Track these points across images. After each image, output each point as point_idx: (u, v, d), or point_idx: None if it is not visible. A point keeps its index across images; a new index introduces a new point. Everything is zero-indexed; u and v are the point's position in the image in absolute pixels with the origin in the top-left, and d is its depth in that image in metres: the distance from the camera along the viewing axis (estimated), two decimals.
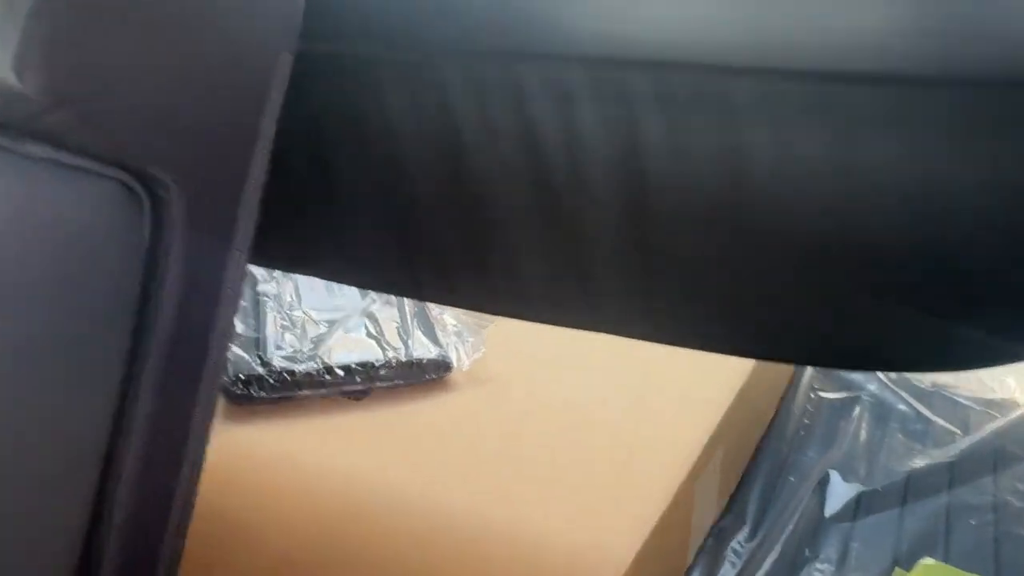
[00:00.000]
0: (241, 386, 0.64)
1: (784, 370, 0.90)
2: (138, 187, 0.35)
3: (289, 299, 0.73)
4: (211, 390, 0.39)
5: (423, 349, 0.70)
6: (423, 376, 0.69)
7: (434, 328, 0.73)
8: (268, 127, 0.37)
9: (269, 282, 0.75)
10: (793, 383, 0.91)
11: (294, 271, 0.57)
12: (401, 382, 0.68)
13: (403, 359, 0.68)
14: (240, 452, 0.60)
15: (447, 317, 0.75)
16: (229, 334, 0.40)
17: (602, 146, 0.36)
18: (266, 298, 0.73)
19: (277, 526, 0.52)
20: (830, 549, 0.69)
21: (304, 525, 0.52)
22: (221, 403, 0.65)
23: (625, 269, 0.41)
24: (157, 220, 0.36)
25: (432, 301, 0.51)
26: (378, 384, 0.68)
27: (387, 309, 0.74)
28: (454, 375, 0.71)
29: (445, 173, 0.42)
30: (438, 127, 0.40)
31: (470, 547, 0.51)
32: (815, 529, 0.71)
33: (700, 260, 0.37)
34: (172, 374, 0.37)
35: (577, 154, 0.37)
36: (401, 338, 0.70)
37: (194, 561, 0.43)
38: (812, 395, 0.90)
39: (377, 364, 0.67)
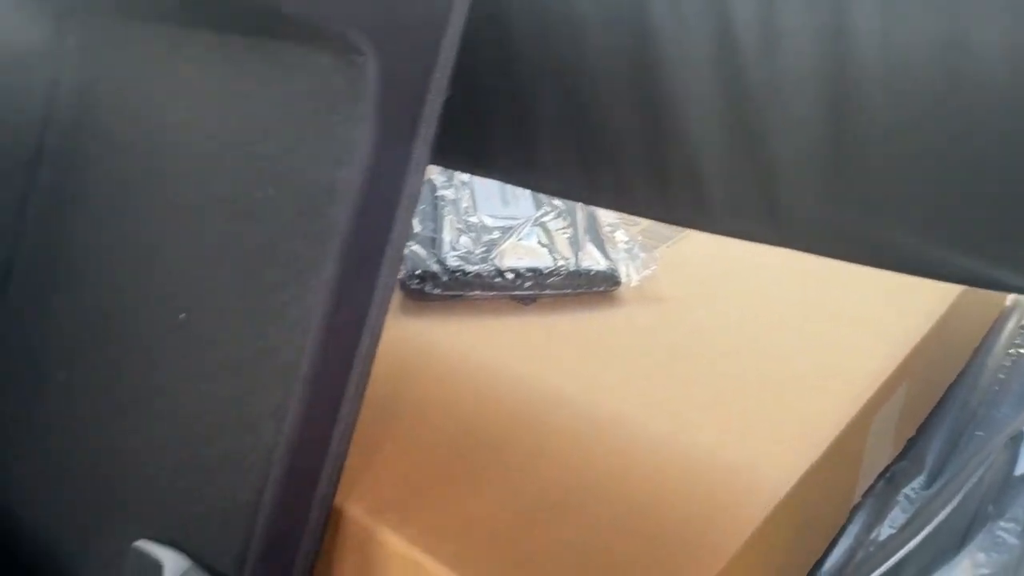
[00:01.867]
0: (417, 281, 0.66)
1: (985, 316, 0.82)
2: (340, 62, 0.36)
3: (466, 205, 0.75)
4: (387, 291, 0.40)
5: (592, 261, 0.69)
6: (591, 287, 0.69)
7: (604, 243, 0.72)
8: (461, 6, 0.37)
9: (448, 188, 0.78)
10: (991, 335, 0.83)
11: (472, 171, 0.58)
12: (569, 291, 0.68)
13: (572, 269, 0.68)
14: (411, 342, 0.62)
15: (618, 234, 0.75)
16: (407, 233, 0.41)
17: (804, 30, 0.33)
18: (444, 203, 0.75)
19: (443, 410, 0.54)
20: (1018, 509, 0.64)
21: (470, 412, 0.54)
22: (397, 295, 0.68)
23: (816, 173, 0.38)
24: (354, 100, 0.38)
25: (608, 206, 0.50)
26: (546, 291, 0.68)
27: (559, 221, 0.74)
28: (622, 290, 0.70)
29: (630, 65, 0.41)
30: (627, 14, 0.39)
31: (630, 452, 0.51)
32: (1002, 486, 0.66)
33: (906, 160, 0.34)
34: (351, 270, 0.39)
35: (776, 40, 0.35)
36: (571, 249, 0.70)
37: (364, 439, 0.46)
38: (1012, 351, 0.82)
39: (546, 271, 0.68)
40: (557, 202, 0.76)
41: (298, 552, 0.40)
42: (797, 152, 0.38)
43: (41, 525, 0.47)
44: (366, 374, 0.41)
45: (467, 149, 0.51)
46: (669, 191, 0.45)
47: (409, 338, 0.63)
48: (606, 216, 0.77)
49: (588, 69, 0.43)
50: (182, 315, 0.42)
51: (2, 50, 0.48)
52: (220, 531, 0.39)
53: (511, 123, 0.49)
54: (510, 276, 0.67)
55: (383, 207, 0.39)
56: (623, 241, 0.73)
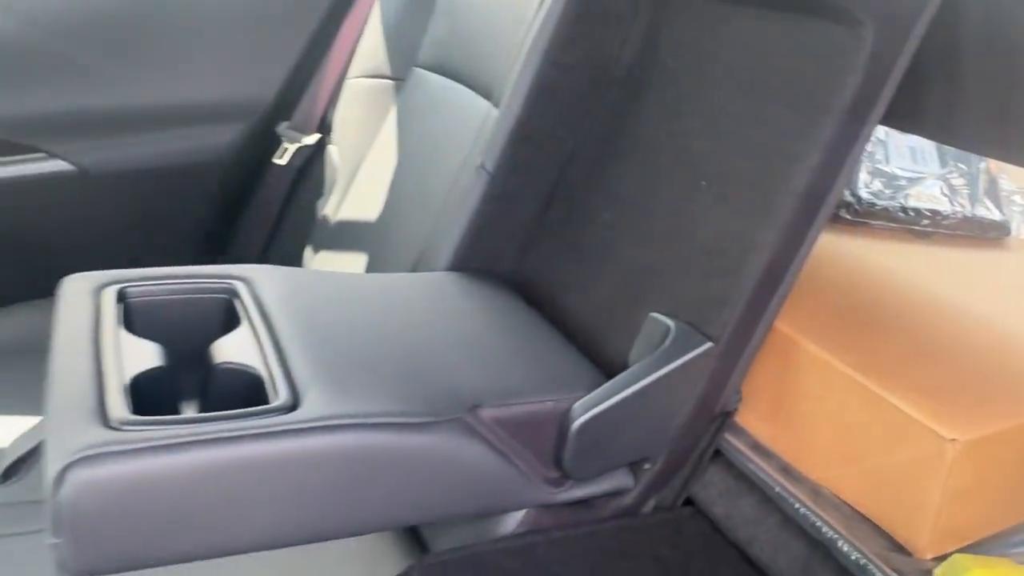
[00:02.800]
0: (848, 212, 0.87)
1: None
2: (848, 31, 0.58)
3: (879, 157, 0.93)
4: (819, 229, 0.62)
5: (986, 211, 0.84)
6: (983, 234, 0.84)
7: (1000, 200, 0.86)
8: None
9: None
10: None
11: (901, 128, 0.76)
12: (961, 232, 0.84)
13: (968, 215, 0.83)
14: (823, 256, 0.83)
15: (1016, 197, 0.87)
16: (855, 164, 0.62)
17: None
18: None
19: (851, 285, 0.74)
20: None
21: (874, 285, 0.74)
22: None
23: None
24: (853, 60, 0.59)
25: (1017, 163, 0.65)
26: (941, 230, 0.84)
27: (961, 180, 0.89)
28: (1010, 240, 0.84)
29: None
30: None
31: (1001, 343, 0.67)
32: None
33: None
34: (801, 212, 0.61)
35: None
36: (969, 201, 0.85)
37: (801, 291, 0.68)
38: None
39: (944, 212, 0.84)
40: (961, 164, 0.91)
41: (757, 328, 0.63)
42: None
43: (582, 310, 0.75)
44: (809, 246, 0.63)
45: (901, 109, 0.69)
46: None
47: (823, 244, 0.84)
48: (1006, 185, 0.90)
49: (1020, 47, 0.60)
50: (703, 183, 0.67)
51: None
52: (706, 310, 0.64)
53: (944, 87, 0.66)
54: (912, 213, 0.84)
55: (842, 149, 0.60)
56: (1019, 204, 0.86)
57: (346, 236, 1.12)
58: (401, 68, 1.15)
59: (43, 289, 1.16)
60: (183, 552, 0.51)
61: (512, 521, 0.64)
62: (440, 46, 1.10)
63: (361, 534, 0.60)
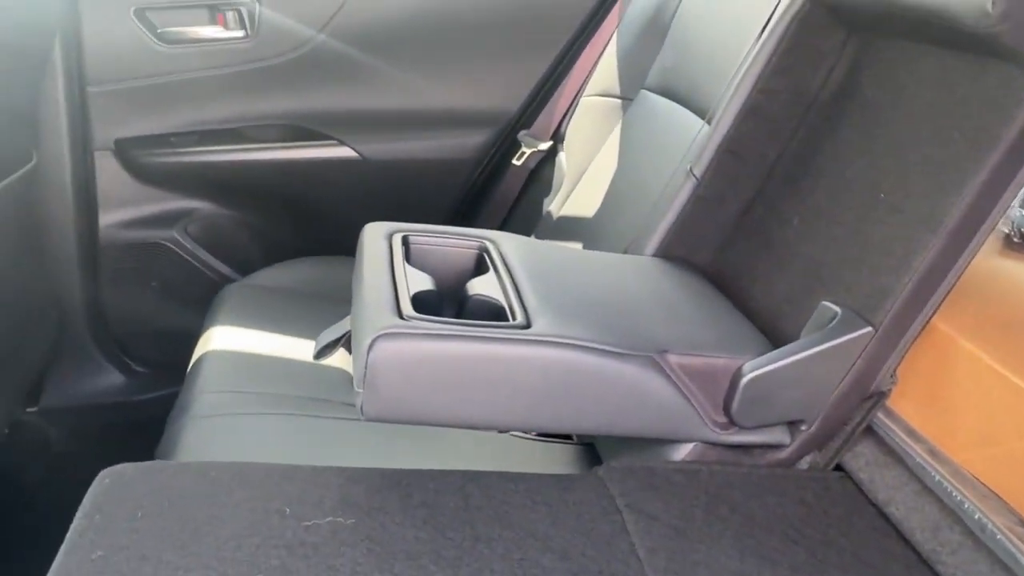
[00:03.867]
0: (1018, 237, 0.93)
1: None
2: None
3: None
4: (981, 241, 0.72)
5: None
6: None
7: None
8: None
9: None
10: None
11: None
12: None
13: None
14: (992, 271, 0.90)
15: None
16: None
17: None
18: None
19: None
20: None
21: (990, 316, 0.81)
22: (999, 243, 0.95)
23: None
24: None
25: None
26: None
27: None
28: None
29: None
30: None
31: None
32: None
33: None
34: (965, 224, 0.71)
35: None
36: None
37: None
38: None
39: None
40: None
41: (914, 321, 0.74)
42: None
43: (764, 297, 0.88)
44: (970, 255, 0.72)
45: None
46: None
47: (995, 263, 0.91)
48: None
49: None
50: (882, 195, 0.79)
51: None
52: (871, 300, 0.75)
53: None
54: None
55: (1008, 173, 0.70)
56: None
57: (566, 228, 1.32)
58: (630, 89, 1.33)
59: (319, 248, 1.47)
60: (439, 416, 0.71)
61: (681, 451, 0.78)
62: (667, 72, 1.26)
63: (559, 432, 0.77)
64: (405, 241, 0.87)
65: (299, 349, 1.10)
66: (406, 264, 0.82)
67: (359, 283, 0.78)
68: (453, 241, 0.88)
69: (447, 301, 0.82)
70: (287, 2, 1.37)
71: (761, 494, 0.75)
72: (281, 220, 1.53)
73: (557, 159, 1.42)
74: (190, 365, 1.11)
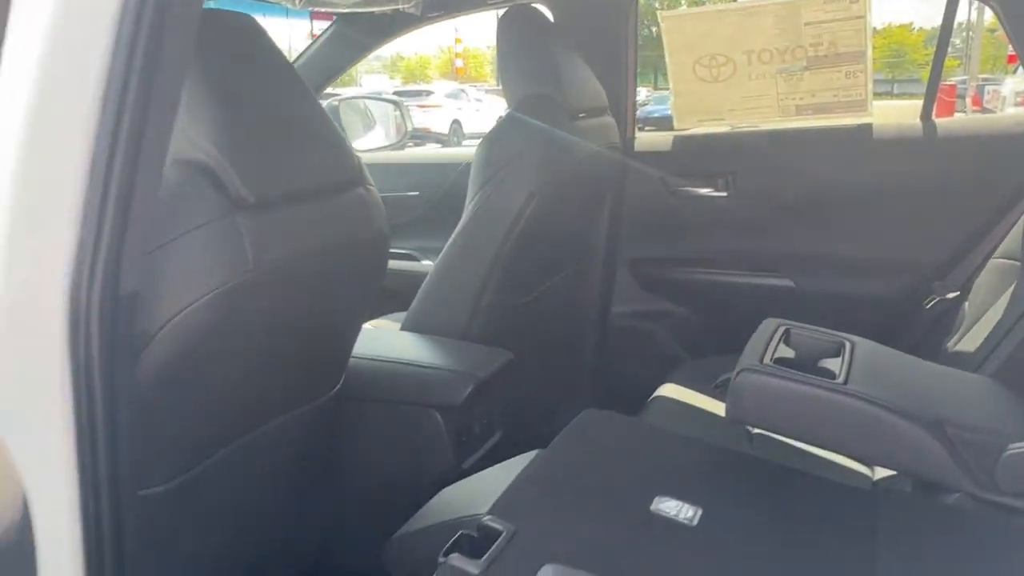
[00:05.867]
0: None
1: None
2: None
3: None
4: None
5: None
6: None
7: None
8: None
9: None
10: None
11: None
12: None
13: None
14: None
15: None
16: None
17: None
18: None
19: None
20: None
21: None
22: None
23: None
24: None
25: None
26: None
27: None
28: None
29: None
30: None
31: None
32: None
33: None
34: None
35: None
36: None
37: None
38: None
39: None
40: None
41: None
42: None
43: None
44: None
45: None
46: None
47: None
48: None
49: None
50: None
51: None
52: None
53: None
54: None
55: None
56: None
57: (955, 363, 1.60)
58: None
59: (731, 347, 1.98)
60: (772, 426, 1.15)
61: (949, 498, 1.08)
62: None
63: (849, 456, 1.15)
64: (787, 331, 1.33)
65: None
66: (780, 343, 1.28)
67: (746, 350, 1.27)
68: (822, 335, 1.31)
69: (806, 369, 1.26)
70: (760, 174, 1.96)
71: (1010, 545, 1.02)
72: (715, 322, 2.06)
73: (962, 307, 1.70)
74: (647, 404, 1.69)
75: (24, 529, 0.59)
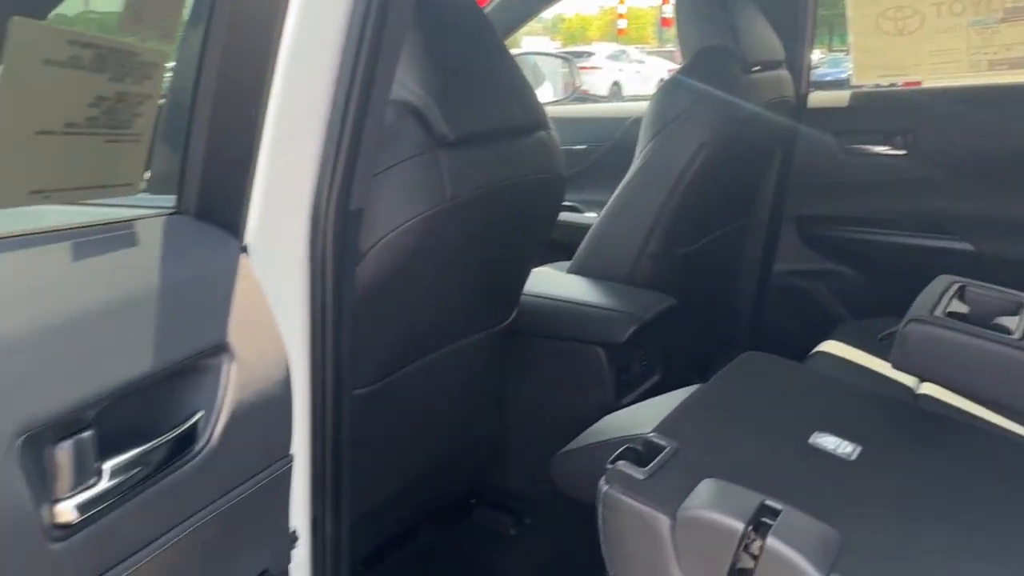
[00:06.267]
0: None
1: None
2: None
3: None
4: None
5: None
6: None
7: None
8: None
9: None
10: None
11: None
12: None
13: None
14: None
15: None
16: None
17: None
18: None
19: None
20: None
21: None
22: None
23: None
24: None
25: None
26: None
27: None
28: None
29: None
30: None
31: None
32: None
33: None
34: None
35: None
36: None
37: None
38: None
39: None
40: None
41: None
42: None
43: None
44: None
45: None
46: None
47: None
48: None
49: None
50: None
51: None
52: None
53: None
54: None
55: None
56: None
57: None
58: None
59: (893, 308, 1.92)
60: (936, 379, 1.15)
61: None
62: None
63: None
64: (961, 288, 1.30)
65: None
66: (954, 299, 1.26)
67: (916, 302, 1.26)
68: (1000, 293, 1.28)
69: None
70: (944, 133, 1.88)
71: None
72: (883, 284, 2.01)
73: None
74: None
75: (287, 385, 0.73)
